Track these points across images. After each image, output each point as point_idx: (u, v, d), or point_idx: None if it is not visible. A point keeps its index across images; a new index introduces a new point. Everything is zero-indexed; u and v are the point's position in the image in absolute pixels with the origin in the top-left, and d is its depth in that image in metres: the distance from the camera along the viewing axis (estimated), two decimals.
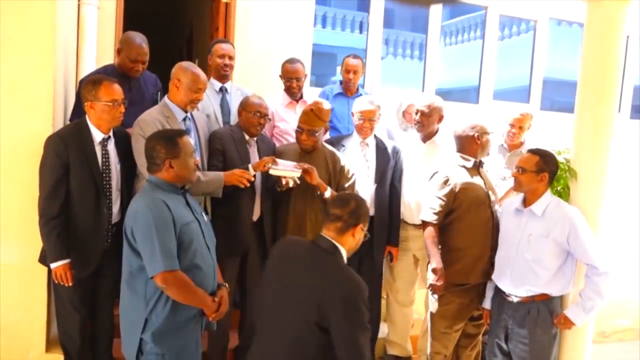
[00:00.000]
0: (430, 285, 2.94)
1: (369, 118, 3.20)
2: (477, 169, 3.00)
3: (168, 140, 2.26)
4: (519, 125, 3.61)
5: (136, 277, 2.18)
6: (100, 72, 3.10)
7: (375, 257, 3.29)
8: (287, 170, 2.85)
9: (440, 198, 2.91)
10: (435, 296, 2.98)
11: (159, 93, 3.35)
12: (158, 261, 2.08)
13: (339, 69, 3.83)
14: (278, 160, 2.88)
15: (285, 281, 2.03)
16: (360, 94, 3.79)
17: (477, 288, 2.96)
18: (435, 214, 2.92)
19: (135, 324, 2.19)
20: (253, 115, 2.96)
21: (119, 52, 3.13)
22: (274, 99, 3.60)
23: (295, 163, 2.90)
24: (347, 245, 2.06)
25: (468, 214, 2.89)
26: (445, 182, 2.91)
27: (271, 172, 2.86)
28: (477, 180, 2.95)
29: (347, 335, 1.89)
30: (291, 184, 2.86)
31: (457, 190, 2.89)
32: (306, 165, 2.88)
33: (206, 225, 2.38)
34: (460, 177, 2.93)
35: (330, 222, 2.06)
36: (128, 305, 2.24)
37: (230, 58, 3.42)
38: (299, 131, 3.00)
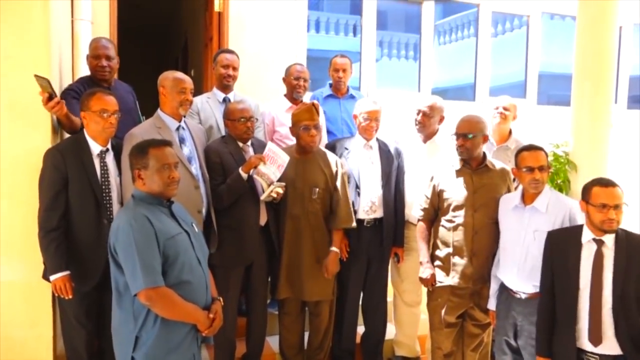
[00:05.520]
0: (419, 278, 3.06)
1: (375, 118, 3.20)
2: (469, 170, 2.94)
3: (138, 150, 2.16)
4: (503, 107, 3.56)
5: (123, 295, 2.11)
6: (73, 85, 3.05)
7: (384, 259, 3.30)
8: (271, 173, 2.86)
9: (425, 195, 3.06)
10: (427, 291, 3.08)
11: (136, 103, 3.34)
12: (139, 278, 2.00)
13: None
14: (269, 155, 2.87)
15: None
16: (351, 95, 3.80)
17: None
18: (421, 210, 3.08)
19: (125, 342, 2.10)
20: (238, 122, 2.96)
21: (87, 59, 3.10)
22: (274, 104, 3.62)
23: (285, 158, 2.90)
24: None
25: (447, 213, 2.94)
26: (431, 179, 3.04)
27: (255, 177, 2.88)
28: (459, 181, 2.93)
29: None
30: (275, 194, 2.88)
31: (438, 189, 2.99)
32: None
33: (196, 236, 2.28)
34: (443, 177, 2.99)
35: None
36: (118, 323, 2.15)
37: (234, 69, 3.43)
38: (307, 129, 2.97)
